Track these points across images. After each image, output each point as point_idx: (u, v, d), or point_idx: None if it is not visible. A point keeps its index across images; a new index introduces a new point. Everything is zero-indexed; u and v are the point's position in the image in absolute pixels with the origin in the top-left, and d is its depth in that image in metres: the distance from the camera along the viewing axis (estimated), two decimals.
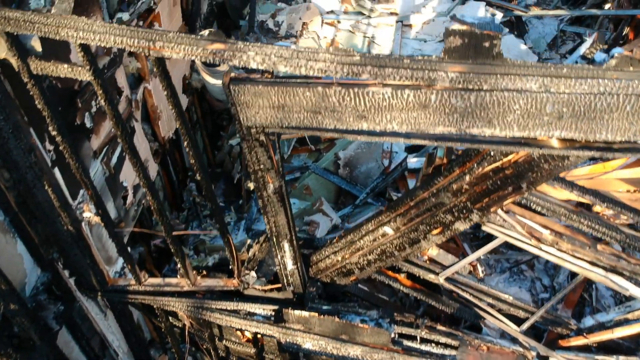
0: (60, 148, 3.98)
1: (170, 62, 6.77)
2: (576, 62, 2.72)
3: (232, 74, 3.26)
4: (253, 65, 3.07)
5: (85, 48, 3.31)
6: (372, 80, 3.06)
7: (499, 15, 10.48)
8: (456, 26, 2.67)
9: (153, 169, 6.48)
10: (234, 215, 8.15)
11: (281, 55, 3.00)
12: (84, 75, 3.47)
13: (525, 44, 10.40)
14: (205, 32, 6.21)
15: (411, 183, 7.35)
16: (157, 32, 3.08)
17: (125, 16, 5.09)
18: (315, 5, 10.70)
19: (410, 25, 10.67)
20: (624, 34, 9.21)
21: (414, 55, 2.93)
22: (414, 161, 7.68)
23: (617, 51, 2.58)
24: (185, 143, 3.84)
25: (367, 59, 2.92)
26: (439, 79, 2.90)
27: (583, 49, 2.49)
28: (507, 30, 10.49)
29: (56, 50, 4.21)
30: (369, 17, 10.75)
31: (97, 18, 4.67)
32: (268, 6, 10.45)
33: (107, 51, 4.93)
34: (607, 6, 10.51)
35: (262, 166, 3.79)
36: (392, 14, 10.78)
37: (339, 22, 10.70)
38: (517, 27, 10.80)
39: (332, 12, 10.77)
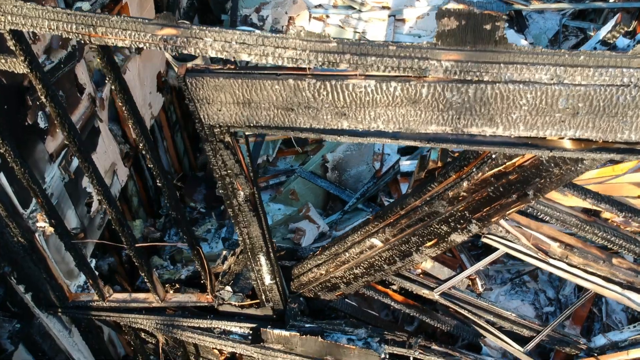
0: (1, 151, 3.49)
1: (143, 56, 6.28)
2: (594, 49, 2.30)
3: (189, 65, 2.78)
4: (211, 54, 2.59)
5: (16, 34, 2.82)
6: (352, 71, 2.58)
7: None
8: (451, 5, 2.19)
9: (123, 173, 5.98)
10: (215, 222, 7.65)
11: (244, 41, 2.52)
12: (19, 67, 2.99)
13: (526, 39, 9.94)
14: None
15: (404, 188, 6.87)
16: (98, 16, 2.59)
17: (85, 5, 4.57)
18: None
19: (403, 20, 10.18)
20: (631, 29, 8.71)
21: (401, 42, 2.45)
22: (407, 164, 7.21)
23: None
24: (141, 145, 3.36)
25: (345, 45, 2.44)
26: (431, 68, 2.43)
27: (603, 33, 2.12)
28: (506, 25, 10.00)
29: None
30: (360, 11, 10.24)
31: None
32: None
33: (62, 44, 4.43)
34: None
35: (229, 171, 3.31)
36: (384, 7, 10.28)
37: (327, 16, 10.20)
38: (517, 21, 10.35)
39: (320, 6, 10.25)
